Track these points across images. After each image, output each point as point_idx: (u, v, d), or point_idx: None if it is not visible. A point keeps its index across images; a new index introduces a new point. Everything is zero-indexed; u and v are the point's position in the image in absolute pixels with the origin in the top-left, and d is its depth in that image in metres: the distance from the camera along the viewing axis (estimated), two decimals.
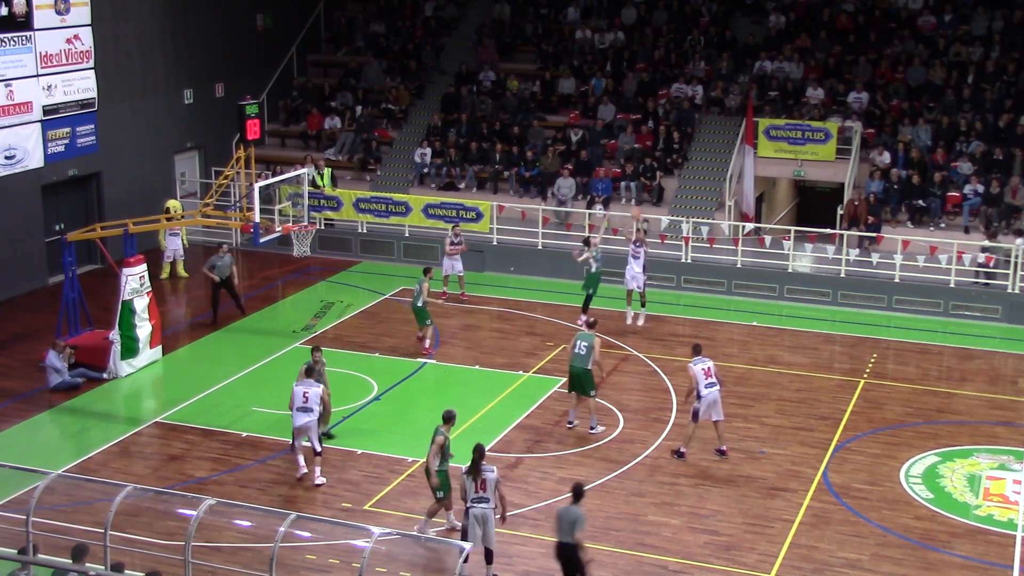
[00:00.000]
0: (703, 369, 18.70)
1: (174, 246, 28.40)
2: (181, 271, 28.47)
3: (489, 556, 15.24)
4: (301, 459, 18.19)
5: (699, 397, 18.67)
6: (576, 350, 19.61)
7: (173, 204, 29.18)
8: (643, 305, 25.04)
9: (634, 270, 24.71)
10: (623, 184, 30.03)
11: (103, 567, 13.46)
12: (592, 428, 19.88)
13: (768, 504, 17.46)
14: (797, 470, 18.64)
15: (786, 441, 19.69)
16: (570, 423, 20.10)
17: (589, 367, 19.52)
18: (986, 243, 26.16)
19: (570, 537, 14.42)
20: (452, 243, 26.45)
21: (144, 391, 22.15)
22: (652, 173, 30.05)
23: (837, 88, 31.21)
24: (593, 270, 24.89)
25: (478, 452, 15.24)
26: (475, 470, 15.06)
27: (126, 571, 13.60)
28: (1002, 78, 30.34)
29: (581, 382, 19.65)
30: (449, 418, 16.42)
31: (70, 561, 13.12)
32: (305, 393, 17.91)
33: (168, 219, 26.99)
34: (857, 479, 18.37)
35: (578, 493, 14.75)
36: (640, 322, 24.94)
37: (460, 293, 26.67)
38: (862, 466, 18.82)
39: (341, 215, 30.20)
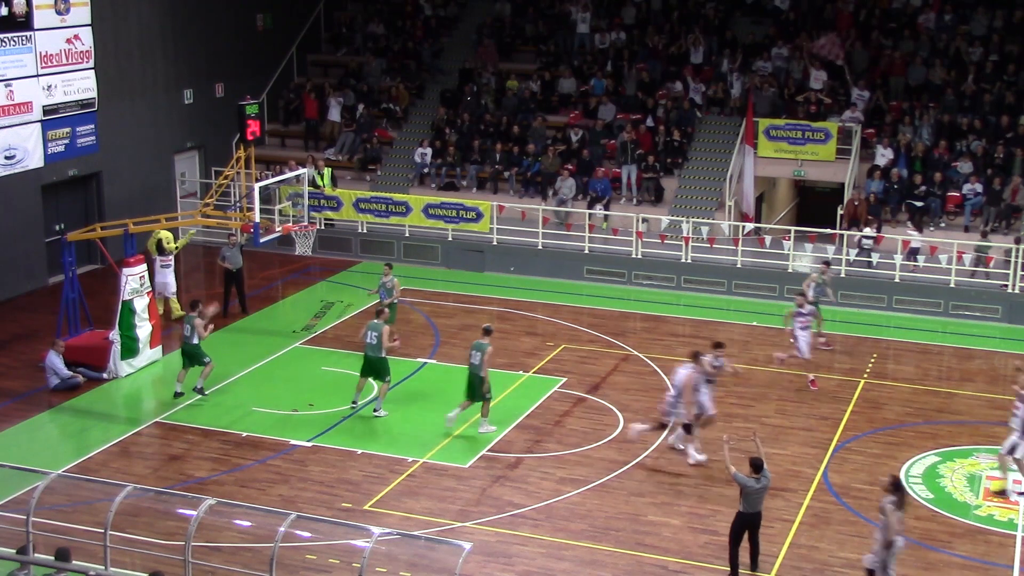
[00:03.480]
0: None
1: (163, 279, 24.81)
2: (176, 309, 24.96)
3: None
4: None
5: None
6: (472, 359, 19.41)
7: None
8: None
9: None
10: (623, 183, 30.04)
11: (103, 567, 13.47)
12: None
13: (768, 504, 17.38)
14: (797, 470, 18.63)
15: (786, 441, 19.68)
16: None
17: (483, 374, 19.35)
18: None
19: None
20: (713, 365, 19.51)
21: (144, 391, 22.13)
22: (652, 172, 30.05)
23: (837, 87, 31.21)
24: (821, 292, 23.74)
25: (902, 488, 14.78)
26: (902, 504, 14.52)
27: (126, 571, 13.62)
28: (1002, 78, 30.34)
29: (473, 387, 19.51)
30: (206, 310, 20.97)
31: (70, 563, 13.14)
32: None
33: (168, 219, 26.93)
34: (857, 479, 18.36)
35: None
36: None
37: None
38: (862, 466, 18.81)
39: (341, 215, 30.18)
